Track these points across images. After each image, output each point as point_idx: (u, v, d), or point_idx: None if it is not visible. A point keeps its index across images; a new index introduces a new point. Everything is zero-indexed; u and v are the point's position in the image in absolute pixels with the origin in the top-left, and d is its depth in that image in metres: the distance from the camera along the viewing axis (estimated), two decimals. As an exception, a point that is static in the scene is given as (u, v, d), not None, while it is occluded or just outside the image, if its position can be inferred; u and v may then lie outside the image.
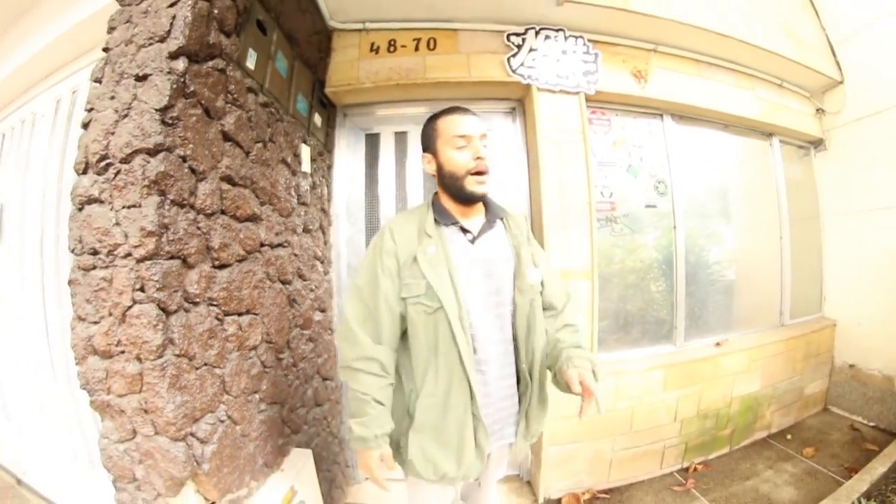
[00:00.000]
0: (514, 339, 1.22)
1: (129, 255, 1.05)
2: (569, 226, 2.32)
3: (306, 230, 2.01)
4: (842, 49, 3.41)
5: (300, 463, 1.69)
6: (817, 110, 3.54)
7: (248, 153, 1.45)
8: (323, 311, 2.18)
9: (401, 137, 2.58)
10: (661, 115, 2.74)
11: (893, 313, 3.00)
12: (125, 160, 1.09)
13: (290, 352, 1.76)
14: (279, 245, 1.70)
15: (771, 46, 2.91)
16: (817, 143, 3.57)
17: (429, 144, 1.25)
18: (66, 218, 1.17)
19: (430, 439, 1.18)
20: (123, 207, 1.08)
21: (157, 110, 1.07)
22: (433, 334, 1.15)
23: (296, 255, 1.86)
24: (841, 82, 3.39)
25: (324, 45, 2.26)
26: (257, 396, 1.47)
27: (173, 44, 1.15)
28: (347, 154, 2.51)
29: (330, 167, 2.38)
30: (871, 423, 3.10)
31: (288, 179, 1.79)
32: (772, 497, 2.39)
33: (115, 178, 1.10)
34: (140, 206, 1.03)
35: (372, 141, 2.58)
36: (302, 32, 1.96)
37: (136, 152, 1.08)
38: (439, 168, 1.22)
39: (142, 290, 1.04)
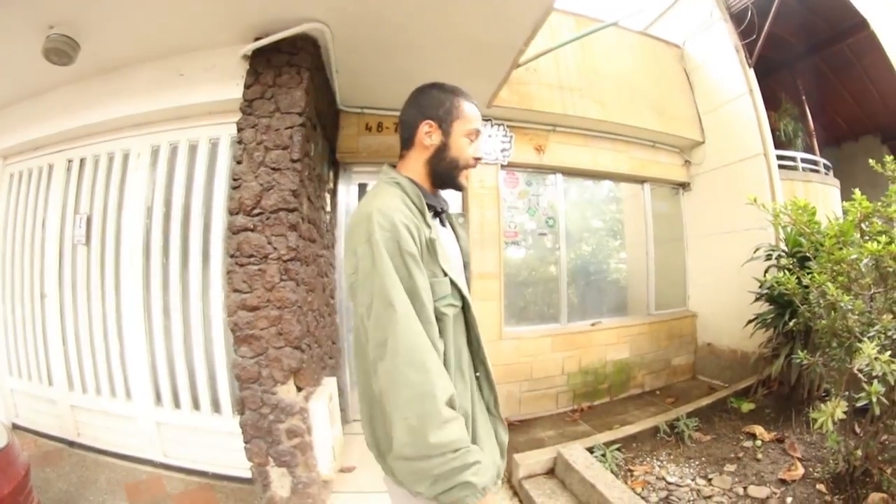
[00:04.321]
0: None
1: (279, 258, 2.49)
2: (486, 247, 4.03)
3: (327, 247, 3.48)
4: (706, 118, 5.30)
5: (331, 385, 3.13)
6: (685, 161, 5.39)
7: (313, 204, 2.92)
8: (332, 297, 3.64)
9: (382, 187, 4.09)
10: (555, 173, 4.45)
11: (733, 305, 4.54)
12: (273, 212, 2.54)
13: (323, 319, 3.21)
14: (320, 255, 3.17)
15: (643, 124, 4.70)
16: (685, 186, 5.43)
17: (442, 118, 1.18)
18: (161, 230, 2.75)
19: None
20: (273, 235, 2.52)
21: (290, 190, 2.53)
22: (457, 337, 1.12)
23: (326, 261, 3.32)
24: (703, 142, 5.25)
25: (335, 122, 3.76)
26: (314, 338, 2.91)
27: (294, 154, 2.60)
28: (346, 196, 4.03)
29: (336, 206, 3.88)
30: (725, 385, 4.71)
31: (323, 216, 3.28)
32: (630, 420, 4.03)
33: (266, 220, 2.54)
34: (286, 236, 2.48)
35: (363, 188, 4.10)
36: (328, 119, 3.45)
37: (280, 209, 2.52)
38: (441, 147, 1.18)
39: (286, 273, 2.47)
